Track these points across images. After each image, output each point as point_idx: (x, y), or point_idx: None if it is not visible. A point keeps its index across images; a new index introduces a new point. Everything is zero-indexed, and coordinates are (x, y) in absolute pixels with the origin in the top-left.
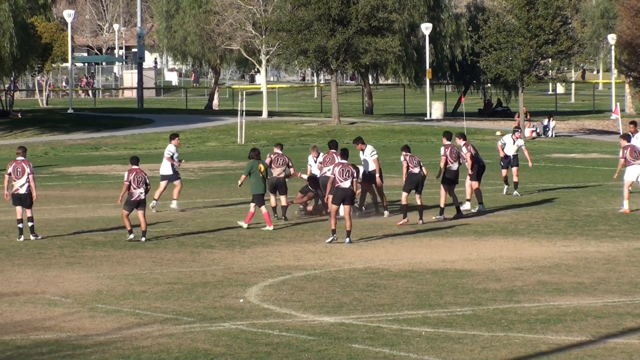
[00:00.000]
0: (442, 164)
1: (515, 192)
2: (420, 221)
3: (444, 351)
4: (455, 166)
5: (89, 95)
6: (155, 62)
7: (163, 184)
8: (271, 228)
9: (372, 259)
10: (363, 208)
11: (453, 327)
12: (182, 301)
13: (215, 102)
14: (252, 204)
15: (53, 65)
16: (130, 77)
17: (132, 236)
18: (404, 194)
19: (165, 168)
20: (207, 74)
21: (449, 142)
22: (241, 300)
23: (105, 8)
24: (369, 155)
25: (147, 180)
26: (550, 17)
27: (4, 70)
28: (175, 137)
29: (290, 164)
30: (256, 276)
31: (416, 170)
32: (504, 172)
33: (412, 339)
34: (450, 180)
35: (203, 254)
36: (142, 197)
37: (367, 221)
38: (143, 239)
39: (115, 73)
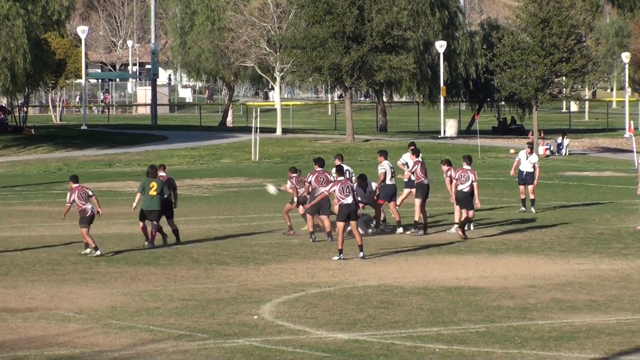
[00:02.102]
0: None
1: (532, 209)
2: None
3: None
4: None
5: (105, 111)
6: (169, 79)
7: None
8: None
9: (385, 276)
10: (379, 225)
11: (467, 344)
12: (196, 317)
13: (230, 119)
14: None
15: (67, 81)
16: (144, 94)
17: (88, 250)
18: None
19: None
20: (221, 91)
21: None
22: (255, 317)
23: (119, 24)
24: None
25: (90, 193)
26: (565, 36)
27: (17, 86)
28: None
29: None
30: (270, 293)
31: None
32: (521, 188)
33: (426, 356)
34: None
35: (217, 271)
36: (94, 211)
37: (381, 238)
38: (88, 250)
39: (128, 90)
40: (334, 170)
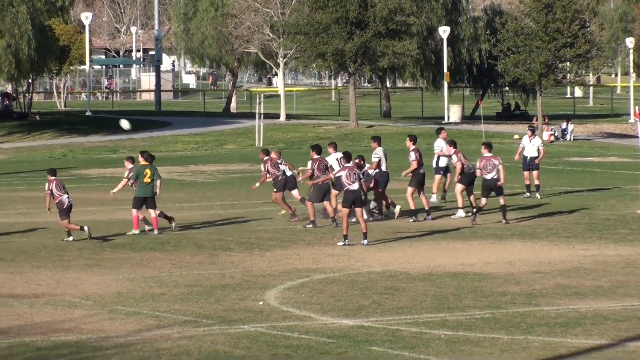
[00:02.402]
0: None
1: (537, 195)
2: (504, 221)
3: (463, 354)
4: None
5: (109, 97)
6: (173, 65)
7: None
8: (137, 232)
9: (390, 262)
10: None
11: (472, 330)
12: (202, 303)
13: (233, 104)
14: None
15: (71, 67)
16: (147, 80)
17: (71, 238)
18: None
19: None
20: (224, 77)
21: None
22: (260, 303)
23: (122, 11)
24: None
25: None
26: (569, 21)
27: (22, 73)
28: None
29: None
30: (275, 279)
31: (489, 176)
32: (525, 174)
33: (431, 341)
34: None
35: (222, 257)
36: (70, 202)
37: (385, 224)
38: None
39: (132, 76)
40: (334, 157)
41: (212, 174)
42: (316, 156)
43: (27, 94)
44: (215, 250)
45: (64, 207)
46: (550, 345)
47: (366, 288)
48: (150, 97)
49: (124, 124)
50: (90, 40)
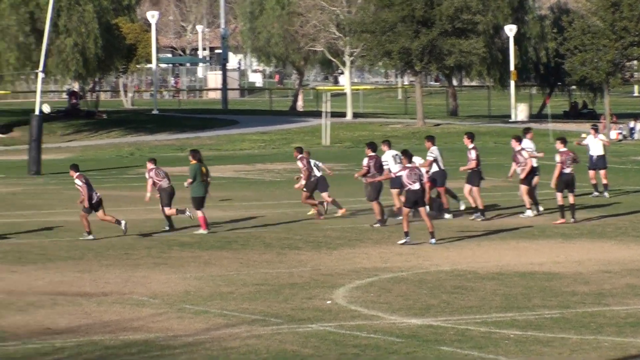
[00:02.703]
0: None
1: (605, 194)
2: (573, 219)
3: (532, 354)
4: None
5: (176, 96)
6: (239, 63)
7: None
8: (206, 232)
9: (459, 261)
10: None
11: (541, 329)
12: (270, 302)
13: (300, 103)
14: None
15: (137, 66)
16: (214, 78)
17: (91, 237)
18: (559, 194)
19: None
20: (291, 75)
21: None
22: (329, 302)
23: (188, 9)
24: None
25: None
26: (635, 19)
27: (89, 71)
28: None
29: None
30: (343, 278)
31: (567, 170)
32: (591, 173)
33: (500, 341)
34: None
35: (290, 255)
36: (99, 197)
37: (453, 223)
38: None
39: (198, 74)
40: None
41: (279, 172)
42: (371, 153)
43: (93, 93)
44: (283, 249)
45: (93, 201)
46: (620, 346)
47: (434, 287)
48: (217, 95)
49: (45, 107)
50: (156, 39)
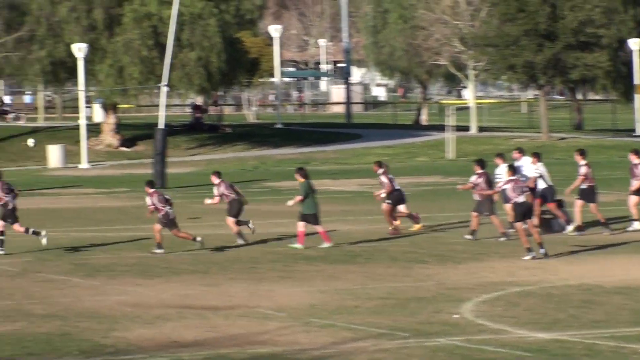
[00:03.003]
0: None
1: None
2: None
3: None
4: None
5: (299, 110)
6: (363, 77)
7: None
8: (329, 244)
9: (585, 275)
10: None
11: None
12: (396, 316)
13: (424, 117)
14: (302, 223)
15: (260, 80)
16: (337, 92)
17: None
18: None
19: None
20: (414, 89)
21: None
22: (456, 316)
23: (311, 23)
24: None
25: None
26: None
27: (212, 85)
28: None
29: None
30: (470, 292)
31: None
32: None
33: (630, 356)
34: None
35: (415, 269)
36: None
37: (580, 237)
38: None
39: (321, 88)
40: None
41: (404, 186)
42: (480, 170)
43: (216, 106)
44: (408, 263)
45: (169, 218)
46: None
47: (562, 301)
48: (340, 109)
49: (30, 142)
50: (279, 53)
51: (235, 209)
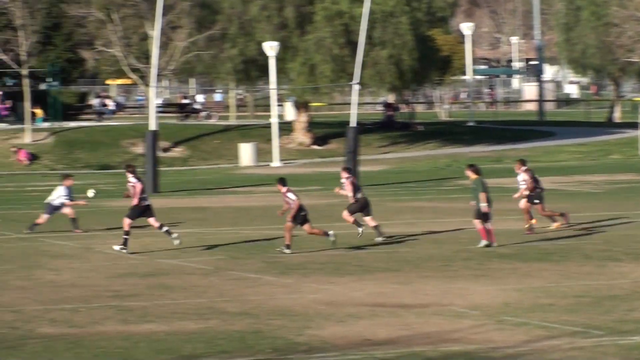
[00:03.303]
0: None
1: None
2: None
3: None
4: None
5: (491, 108)
6: (555, 75)
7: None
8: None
9: None
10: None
11: None
12: (590, 314)
13: (617, 114)
14: (478, 220)
15: (452, 77)
16: (529, 90)
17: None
18: None
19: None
20: (607, 86)
21: None
22: None
23: (503, 20)
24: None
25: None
26: None
27: (404, 83)
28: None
29: None
30: None
31: None
32: None
33: None
34: None
35: (610, 267)
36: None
37: None
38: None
39: (513, 86)
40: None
41: (597, 184)
42: None
43: (408, 104)
44: (602, 261)
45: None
46: None
47: None
48: (533, 107)
49: (90, 193)
50: (471, 51)
51: (357, 206)
